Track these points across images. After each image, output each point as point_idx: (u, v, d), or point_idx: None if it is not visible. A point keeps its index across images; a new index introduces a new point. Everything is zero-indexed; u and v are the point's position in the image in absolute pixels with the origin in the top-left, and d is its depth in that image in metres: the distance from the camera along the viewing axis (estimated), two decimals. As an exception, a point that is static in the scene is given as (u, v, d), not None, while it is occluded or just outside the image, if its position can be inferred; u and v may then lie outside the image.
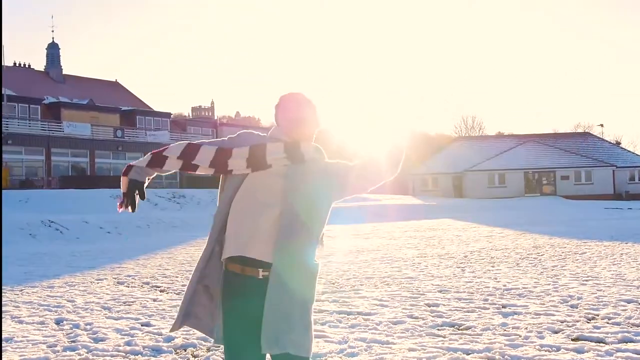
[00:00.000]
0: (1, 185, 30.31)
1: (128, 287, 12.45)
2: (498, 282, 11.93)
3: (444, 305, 9.63)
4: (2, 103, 51.92)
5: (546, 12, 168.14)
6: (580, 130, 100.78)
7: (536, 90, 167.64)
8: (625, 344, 7.05)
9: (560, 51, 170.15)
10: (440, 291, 10.98)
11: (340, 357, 6.76)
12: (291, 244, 3.37)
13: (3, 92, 52.04)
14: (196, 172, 3.61)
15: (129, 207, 3.68)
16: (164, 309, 9.76)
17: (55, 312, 9.68)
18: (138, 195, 3.69)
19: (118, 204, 3.71)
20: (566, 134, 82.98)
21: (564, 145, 73.59)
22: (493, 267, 14.27)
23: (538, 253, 16.96)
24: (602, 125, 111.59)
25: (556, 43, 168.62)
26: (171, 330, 3.65)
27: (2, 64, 56.22)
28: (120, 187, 3.68)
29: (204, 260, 3.54)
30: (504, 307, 9.36)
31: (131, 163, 3.71)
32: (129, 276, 13.98)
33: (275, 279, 3.35)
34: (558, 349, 6.86)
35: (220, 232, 3.52)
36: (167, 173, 3.73)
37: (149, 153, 3.68)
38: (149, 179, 3.74)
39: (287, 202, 3.38)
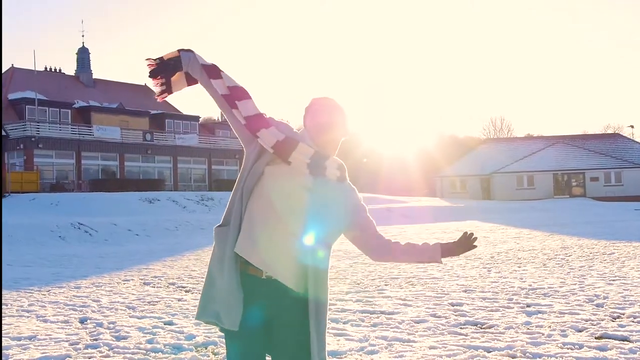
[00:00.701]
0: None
1: (154, 287, 12.52)
2: (523, 282, 11.85)
3: (467, 304, 9.58)
4: (34, 107, 52.53)
5: (575, 11, 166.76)
6: (610, 131, 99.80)
7: (566, 91, 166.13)
8: (650, 342, 6.97)
9: (590, 51, 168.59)
10: (464, 291, 10.93)
11: (360, 355, 6.74)
12: (317, 268, 3.35)
13: (34, 96, 52.61)
14: (231, 110, 3.51)
15: (158, 77, 3.59)
16: (187, 309, 9.80)
17: (80, 312, 9.75)
18: (164, 84, 3.60)
19: (149, 62, 3.58)
20: (595, 135, 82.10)
21: (594, 147, 72.89)
22: (519, 267, 14.18)
23: (566, 254, 16.82)
24: (632, 126, 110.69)
25: (587, 43, 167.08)
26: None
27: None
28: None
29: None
30: (528, 306, 9.29)
31: (193, 50, 3.62)
32: (156, 277, 14.07)
33: (313, 304, 3.35)
34: (581, 346, 6.79)
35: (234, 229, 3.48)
36: (205, 88, 3.60)
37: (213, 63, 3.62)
38: (187, 76, 3.64)
39: (302, 218, 3.34)
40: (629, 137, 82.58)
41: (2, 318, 9.06)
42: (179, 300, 10.76)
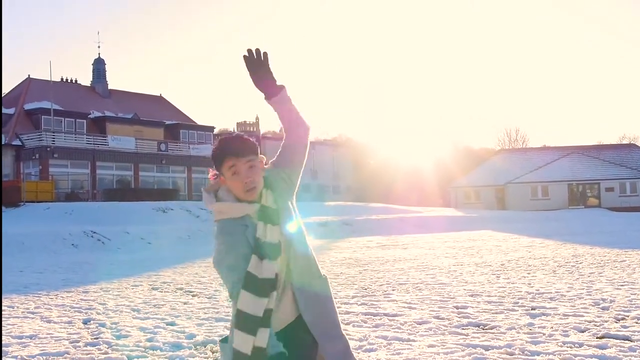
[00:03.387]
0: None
1: (161, 292, 12.54)
2: (531, 287, 11.77)
3: (472, 307, 9.52)
4: (50, 118, 52.84)
5: (590, 20, 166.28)
6: (625, 141, 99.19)
7: (581, 101, 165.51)
8: (652, 342, 6.90)
9: (607, 62, 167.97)
10: (471, 295, 10.87)
11: (358, 353, 6.71)
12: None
13: (50, 106, 52.92)
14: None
15: None
16: (192, 311, 9.82)
17: (85, 314, 9.79)
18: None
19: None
20: (611, 146, 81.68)
21: (609, 157, 72.47)
22: (529, 274, 14.08)
23: (577, 261, 16.70)
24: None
25: (603, 53, 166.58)
26: None
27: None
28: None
29: None
30: (533, 309, 9.22)
31: None
32: (165, 282, 14.10)
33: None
34: (581, 345, 6.74)
35: None
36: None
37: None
38: None
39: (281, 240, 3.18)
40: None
41: (7, 319, 9.11)
42: (185, 303, 10.77)
